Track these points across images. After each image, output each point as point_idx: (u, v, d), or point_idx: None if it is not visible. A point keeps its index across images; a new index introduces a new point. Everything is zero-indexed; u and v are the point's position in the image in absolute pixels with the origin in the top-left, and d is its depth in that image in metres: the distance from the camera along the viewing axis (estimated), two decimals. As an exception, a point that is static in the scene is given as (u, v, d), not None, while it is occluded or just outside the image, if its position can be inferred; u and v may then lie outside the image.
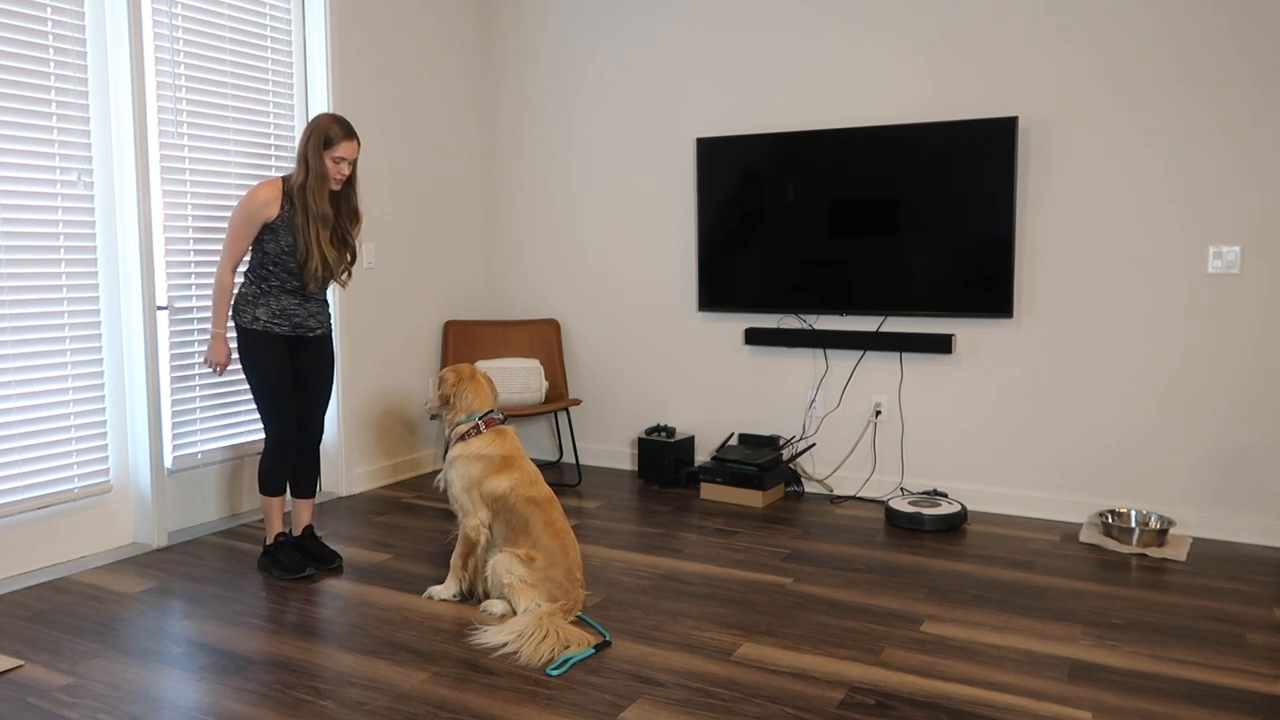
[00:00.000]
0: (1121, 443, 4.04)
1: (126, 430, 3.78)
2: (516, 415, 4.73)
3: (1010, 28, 4.10)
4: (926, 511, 4.02)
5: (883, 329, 4.43)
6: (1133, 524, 3.88)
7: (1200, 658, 2.77)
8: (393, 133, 4.81)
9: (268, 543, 3.54)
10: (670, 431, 4.82)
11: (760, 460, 4.41)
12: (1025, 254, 4.15)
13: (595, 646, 2.83)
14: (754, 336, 4.68)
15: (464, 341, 5.15)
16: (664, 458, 4.77)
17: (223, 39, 4.05)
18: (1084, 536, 3.87)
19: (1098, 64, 3.96)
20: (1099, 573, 3.49)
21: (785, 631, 2.96)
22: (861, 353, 4.52)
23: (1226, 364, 3.84)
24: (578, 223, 5.20)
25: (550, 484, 4.77)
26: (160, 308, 3.85)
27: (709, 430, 4.93)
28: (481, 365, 4.86)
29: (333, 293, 4.48)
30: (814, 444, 4.67)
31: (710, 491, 4.52)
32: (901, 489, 4.47)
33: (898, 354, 4.44)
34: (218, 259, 4.05)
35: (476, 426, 3.23)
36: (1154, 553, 3.67)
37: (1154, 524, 3.84)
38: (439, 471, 3.37)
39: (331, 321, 3.77)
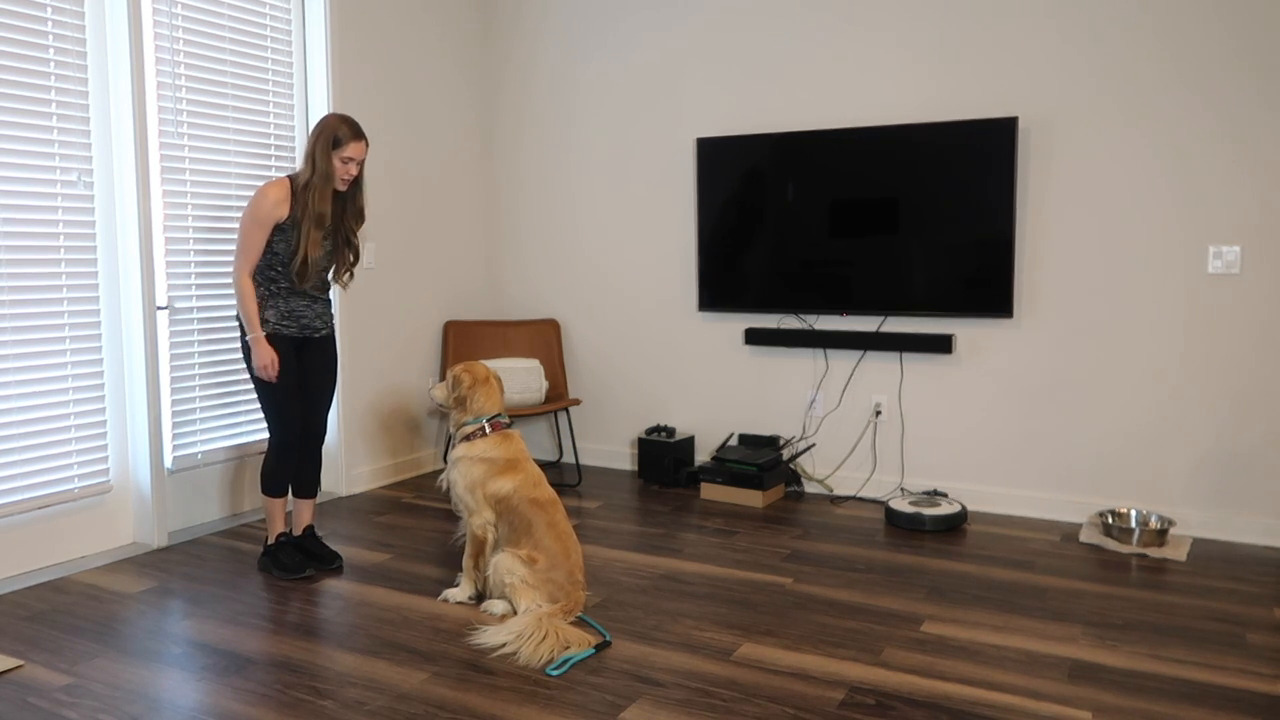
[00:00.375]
0: (1121, 442, 4.04)
1: (126, 430, 3.78)
2: (516, 415, 4.73)
3: (1010, 28, 4.10)
4: (926, 511, 4.02)
5: (883, 329, 4.43)
6: (1133, 524, 3.88)
7: (1200, 658, 2.77)
8: (393, 133, 4.80)
9: (269, 543, 3.53)
10: (670, 431, 4.82)
11: (760, 460, 4.41)
12: (1025, 254, 4.15)
13: (595, 646, 2.83)
14: (754, 336, 4.68)
15: (464, 341, 5.15)
16: (664, 458, 4.77)
17: (223, 39, 4.05)
18: (1084, 536, 3.87)
19: (1098, 64, 3.96)
20: (1099, 573, 3.49)
21: (785, 631, 2.96)
22: (861, 353, 4.52)
23: (1226, 364, 3.84)
24: (578, 223, 5.20)
25: (550, 484, 4.78)
26: (160, 308, 3.85)
27: (709, 430, 4.93)
28: (487, 365, 4.86)
29: (333, 292, 4.47)
30: (814, 444, 4.67)
31: (710, 491, 4.52)
32: (901, 489, 4.47)
33: (898, 354, 4.44)
34: (217, 259, 4.07)
35: (482, 428, 3.23)
36: (1154, 553, 3.67)
37: (1154, 524, 3.84)
38: (440, 472, 3.37)
39: (334, 321, 3.77)
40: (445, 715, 2.45)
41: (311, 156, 3.30)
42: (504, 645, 2.80)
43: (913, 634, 2.94)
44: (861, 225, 4.36)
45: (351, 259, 3.49)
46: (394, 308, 4.87)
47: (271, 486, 3.49)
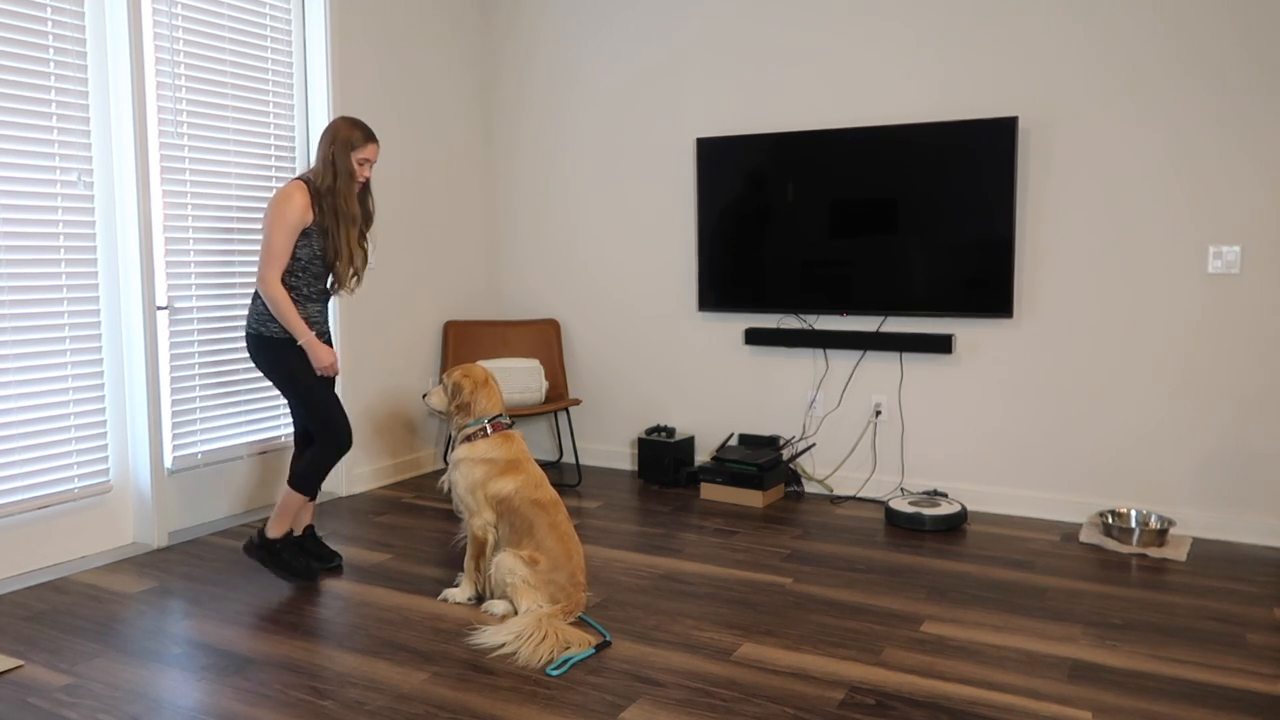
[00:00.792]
0: (1121, 442, 4.04)
1: (126, 430, 3.78)
2: (516, 415, 4.73)
3: (1010, 28, 4.10)
4: (926, 511, 4.02)
5: (883, 329, 4.43)
6: (1133, 524, 3.88)
7: (1200, 658, 2.77)
8: (393, 133, 4.80)
9: (271, 536, 3.39)
10: (670, 431, 4.82)
11: (760, 460, 4.41)
12: (1025, 254, 4.15)
13: (595, 646, 2.83)
14: (754, 336, 4.68)
15: (464, 341, 5.15)
16: (664, 458, 4.77)
17: (223, 39, 4.05)
18: (1084, 536, 3.87)
19: (1098, 64, 3.96)
20: (1099, 573, 3.49)
21: (785, 631, 2.96)
22: (861, 353, 4.52)
23: (1226, 364, 3.84)
24: (578, 223, 5.20)
25: (551, 484, 4.78)
26: (160, 308, 3.85)
27: (709, 430, 4.93)
28: (482, 365, 4.86)
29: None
30: (814, 444, 4.67)
31: (710, 491, 4.52)
32: (901, 489, 4.47)
33: (898, 354, 4.44)
34: (217, 259, 4.07)
35: (483, 429, 3.23)
36: (1154, 553, 3.67)
37: (1154, 524, 3.84)
38: (441, 472, 3.35)
39: None
40: (445, 715, 2.45)
41: (332, 160, 3.25)
42: (503, 645, 2.80)
43: (913, 634, 2.94)
44: (861, 225, 4.36)
45: (362, 262, 3.46)
46: (394, 308, 4.87)
47: (312, 487, 3.39)
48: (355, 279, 3.46)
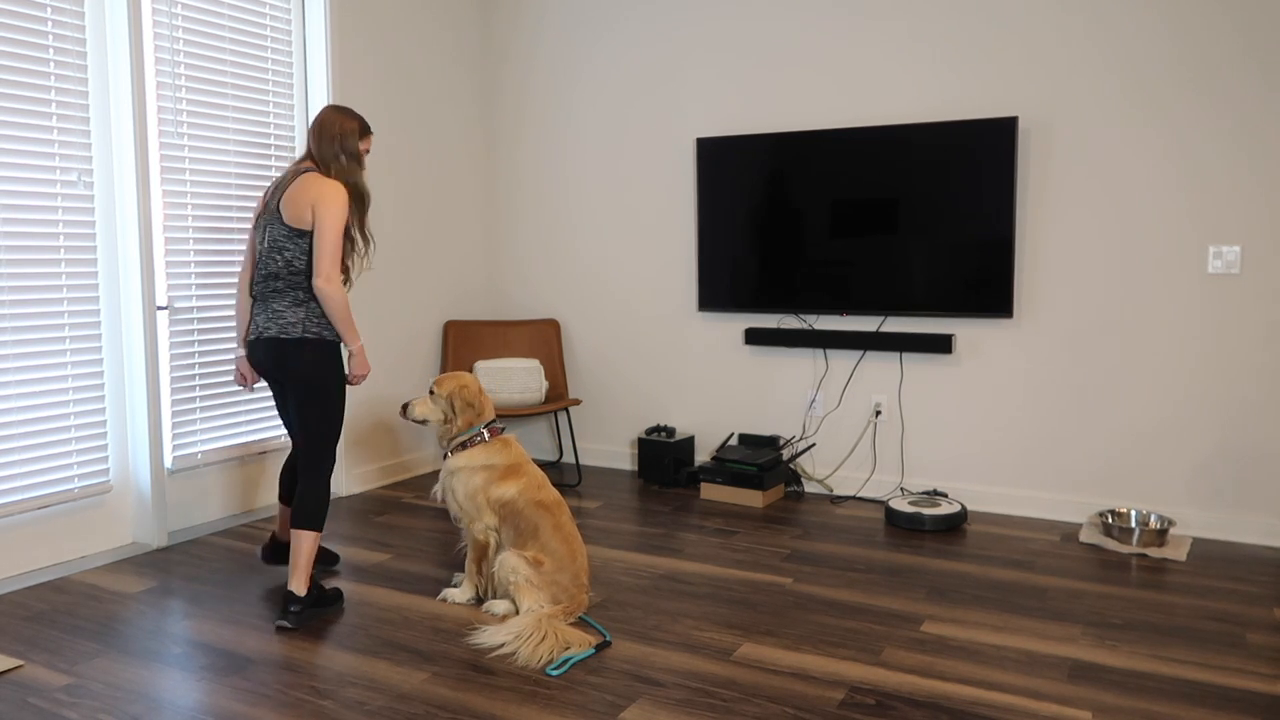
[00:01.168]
0: (1121, 442, 4.04)
1: (126, 430, 3.78)
2: (516, 415, 4.73)
3: (1010, 28, 4.10)
4: (926, 511, 4.02)
5: (883, 329, 4.43)
6: (1133, 524, 3.88)
7: (1200, 658, 2.77)
8: (393, 133, 4.80)
9: (303, 593, 3.04)
10: (670, 431, 4.82)
11: (760, 460, 4.41)
12: (1025, 254, 4.15)
13: (595, 646, 2.83)
14: (754, 336, 4.68)
15: (464, 341, 5.15)
16: (664, 458, 4.77)
17: (223, 39, 4.05)
18: (1084, 536, 3.87)
19: (1098, 64, 3.96)
20: (1099, 573, 3.49)
21: (785, 631, 2.96)
22: (861, 353, 4.52)
23: (1226, 364, 3.84)
24: (578, 223, 5.20)
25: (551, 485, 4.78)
26: (160, 308, 3.85)
27: (709, 430, 4.93)
28: (481, 365, 4.86)
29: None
30: (814, 444, 4.67)
31: (710, 491, 4.52)
32: (901, 489, 4.47)
33: (898, 354, 4.44)
34: (217, 259, 4.07)
35: (481, 435, 3.20)
36: (1154, 553, 3.67)
37: (1154, 524, 3.84)
38: (439, 471, 3.31)
39: None
40: (445, 715, 2.45)
41: (352, 153, 3.14)
42: (503, 645, 2.80)
43: (913, 634, 2.94)
44: (861, 225, 4.36)
45: (371, 249, 3.34)
46: (394, 308, 4.87)
47: (324, 521, 3.14)
48: (360, 269, 3.34)
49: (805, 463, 4.70)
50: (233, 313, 4.14)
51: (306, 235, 3.04)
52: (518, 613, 2.99)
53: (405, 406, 3.27)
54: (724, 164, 4.65)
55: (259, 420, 4.30)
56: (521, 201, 5.36)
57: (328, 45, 4.39)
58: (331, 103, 3.22)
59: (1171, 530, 3.92)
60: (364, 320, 4.68)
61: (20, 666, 2.74)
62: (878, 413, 4.51)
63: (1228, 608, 3.15)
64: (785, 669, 2.70)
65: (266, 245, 3.09)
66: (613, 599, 3.24)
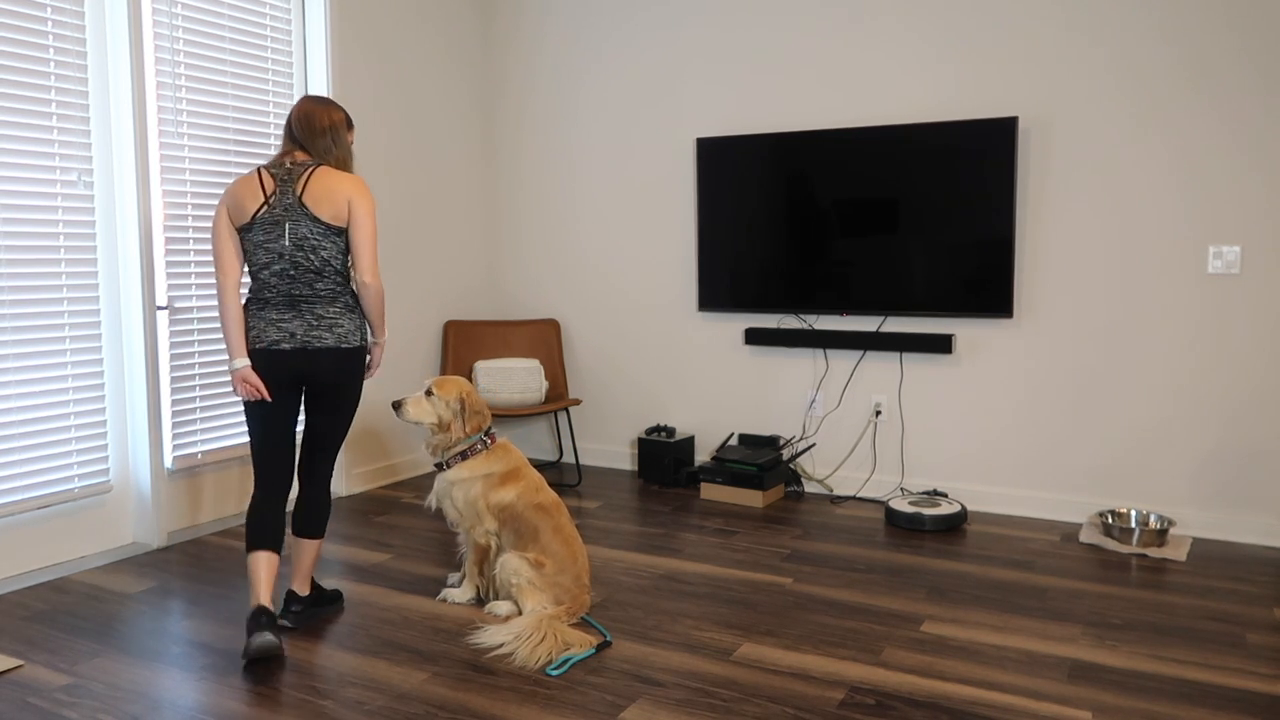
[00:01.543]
0: (1121, 442, 4.04)
1: (126, 430, 3.78)
2: (516, 415, 4.73)
3: (1010, 28, 4.10)
4: (926, 511, 4.02)
5: (883, 329, 4.43)
6: (1133, 524, 3.88)
7: (1200, 658, 2.77)
8: (393, 132, 4.80)
9: (305, 593, 3.05)
10: (670, 431, 4.82)
11: (760, 460, 4.41)
12: (1025, 254, 4.15)
13: (596, 647, 2.83)
14: (754, 336, 4.68)
15: (464, 341, 5.15)
16: (664, 458, 4.77)
17: (223, 39, 4.05)
18: (1084, 536, 3.87)
19: (1098, 64, 3.96)
20: (1099, 573, 3.49)
21: (785, 631, 2.96)
22: (861, 353, 4.52)
23: (1226, 364, 3.84)
24: (578, 223, 5.20)
25: (550, 484, 4.78)
26: (160, 308, 3.85)
27: (709, 430, 4.93)
28: (481, 365, 4.86)
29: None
30: (814, 444, 4.67)
31: (710, 491, 4.52)
32: (901, 489, 4.47)
33: (898, 354, 4.44)
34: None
35: (483, 442, 3.17)
36: (1154, 553, 3.67)
37: (1154, 524, 3.84)
38: (434, 477, 3.26)
39: None
40: (445, 715, 2.45)
41: (340, 144, 2.95)
42: (503, 645, 2.80)
43: (913, 634, 2.94)
44: (861, 225, 4.36)
45: None
46: (394, 308, 4.87)
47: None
48: None
49: (805, 463, 4.70)
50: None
51: (343, 233, 2.85)
52: (520, 614, 2.99)
53: (398, 405, 3.13)
54: (724, 164, 4.65)
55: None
56: (521, 201, 5.36)
57: (328, 45, 4.39)
58: (307, 94, 2.89)
59: (1171, 530, 3.92)
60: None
61: (20, 666, 2.74)
62: (878, 413, 4.51)
63: (1228, 608, 3.15)
64: (785, 669, 2.70)
65: (291, 244, 2.81)
66: (613, 599, 3.24)
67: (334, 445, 3.00)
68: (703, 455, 4.95)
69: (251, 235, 2.83)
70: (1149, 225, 3.93)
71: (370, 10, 4.64)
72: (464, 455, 3.15)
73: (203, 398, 4.04)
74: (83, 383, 3.63)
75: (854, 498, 4.53)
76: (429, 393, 3.15)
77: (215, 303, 4.08)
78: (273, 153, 4.29)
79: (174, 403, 3.93)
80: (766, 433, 4.78)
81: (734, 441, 4.81)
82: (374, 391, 4.77)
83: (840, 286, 4.44)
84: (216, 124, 4.04)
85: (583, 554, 3.11)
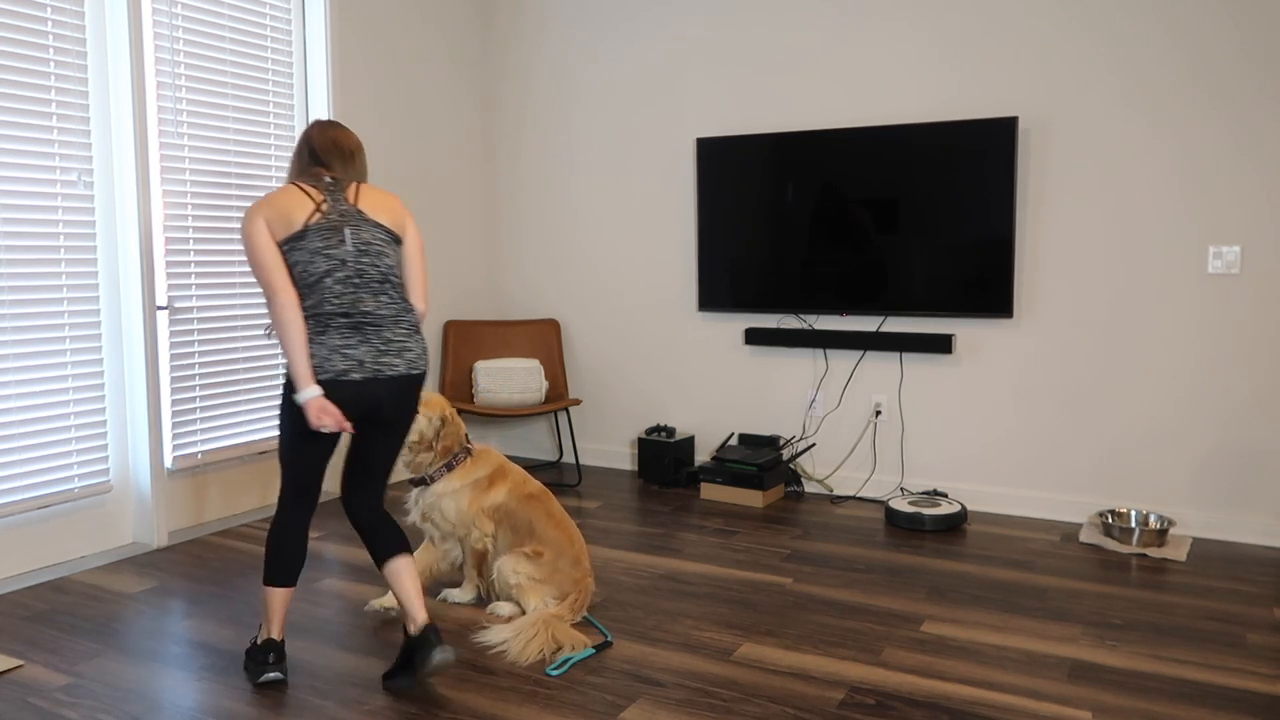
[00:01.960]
0: (1121, 442, 4.04)
1: (126, 430, 3.78)
2: (516, 415, 4.73)
3: (1010, 28, 4.10)
4: (926, 511, 4.02)
5: (883, 329, 4.43)
6: (1133, 524, 3.88)
7: (1200, 658, 2.77)
8: (392, 132, 4.80)
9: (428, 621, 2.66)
10: (670, 431, 4.82)
11: (760, 460, 4.41)
12: (1025, 254, 4.15)
13: (596, 646, 2.83)
14: (754, 336, 4.68)
15: (464, 341, 5.15)
16: (664, 458, 4.77)
17: (223, 39, 4.05)
18: (1084, 536, 3.87)
19: (1098, 64, 3.96)
20: (1099, 573, 3.49)
21: (785, 631, 2.96)
22: (861, 353, 4.52)
23: (1226, 364, 3.84)
24: (578, 223, 5.20)
25: (550, 484, 4.78)
26: (160, 308, 3.85)
27: (709, 430, 4.93)
28: (481, 365, 4.86)
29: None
30: (814, 444, 4.67)
31: (710, 491, 4.52)
32: (901, 489, 4.47)
33: (898, 354, 4.44)
34: (217, 259, 4.07)
35: (466, 452, 3.13)
36: (1154, 553, 3.67)
37: (1154, 524, 3.84)
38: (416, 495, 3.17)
39: None
40: (445, 715, 2.45)
41: (365, 168, 2.80)
42: (502, 643, 2.80)
43: (913, 634, 2.94)
44: (862, 225, 4.36)
45: None
46: (394, 308, 4.86)
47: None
48: None
49: (805, 463, 4.70)
50: (233, 312, 4.14)
51: (400, 246, 2.67)
52: (524, 613, 2.99)
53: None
54: (724, 164, 4.65)
55: (259, 420, 4.30)
56: (521, 201, 5.36)
57: (328, 45, 4.39)
58: (321, 119, 2.81)
59: (1171, 530, 3.92)
60: (364, 320, 4.68)
61: (20, 666, 2.74)
62: (878, 413, 4.51)
63: (1228, 608, 3.15)
64: (785, 669, 2.70)
65: (354, 249, 2.54)
66: (613, 599, 3.24)
67: (391, 470, 2.79)
68: (703, 455, 4.94)
69: (305, 243, 2.50)
70: (1149, 225, 3.93)
71: (370, 10, 4.64)
72: (449, 466, 3.11)
73: (203, 398, 4.05)
74: (83, 383, 3.63)
75: (854, 498, 4.53)
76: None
77: (215, 303, 4.07)
78: (272, 153, 4.29)
79: (174, 403, 3.93)
80: (766, 433, 4.78)
81: (734, 441, 4.81)
82: (374, 391, 4.77)
83: (840, 286, 4.44)
84: (216, 124, 4.04)
85: (578, 536, 3.11)
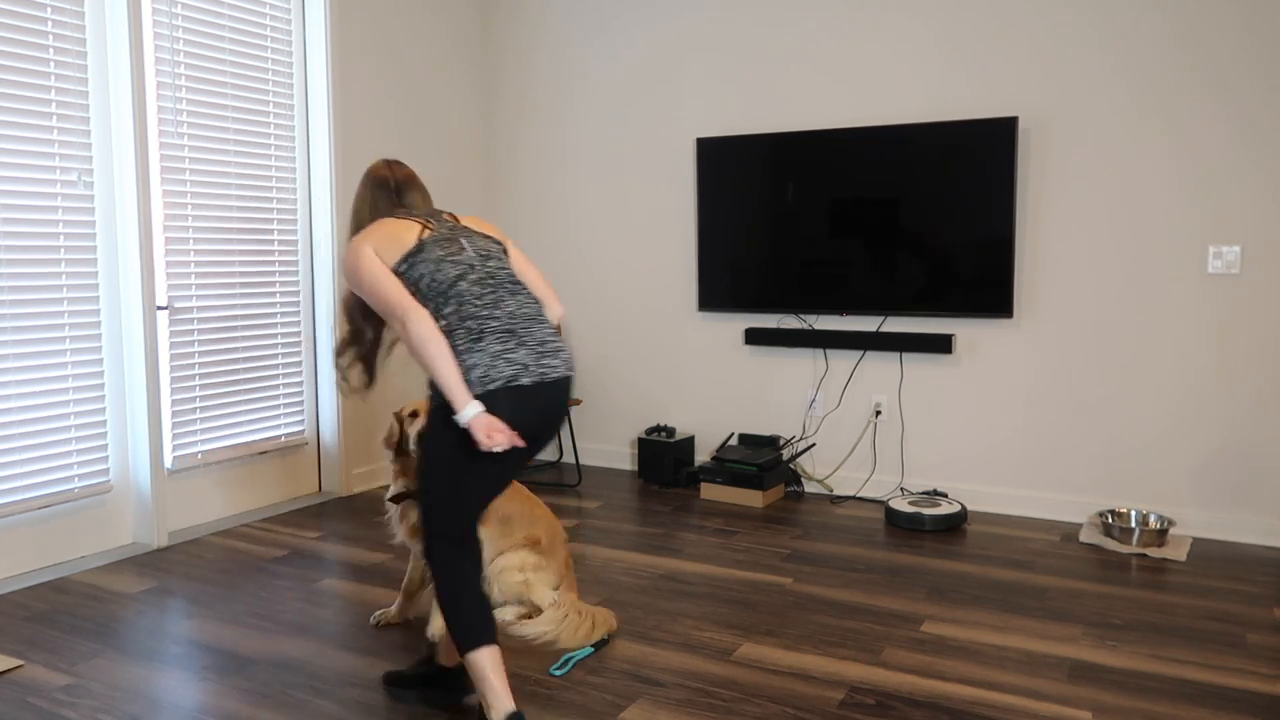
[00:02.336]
0: (1121, 442, 4.04)
1: (126, 430, 3.78)
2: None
3: (1010, 28, 4.10)
4: (926, 511, 4.02)
5: (883, 329, 4.43)
6: (1133, 524, 3.88)
7: (1200, 658, 2.77)
8: (392, 132, 4.80)
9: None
10: (670, 431, 4.82)
11: (760, 460, 4.41)
12: (1025, 254, 4.15)
13: (594, 645, 2.83)
14: (754, 336, 4.68)
15: (464, 341, 5.15)
16: (664, 458, 4.77)
17: (223, 39, 4.05)
18: (1084, 536, 3.87)
19: (1098, 64, 3.96)
20: (1099, 573, 3.49)
21: (785, 631, 2.96)
22: (861, 353, 4.52)
23: (1226, 364, 3.84)
24: (578, 223, 5.20)
25: (550, 484, 4.79)
26: (160, 308, 3.85)
27: (709, 430, 4.93)
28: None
29: (332, 292, 4.48)
30: (814, 444, 4.67)
31: (710, 491, 4.52)
32: (901, 489, 4.47)
33: (898, 354, 4.44)
34: (217, 259, 4.07)
35: None
36: (1154, 553, 3.67)
37: (1154, 524, 3.84)
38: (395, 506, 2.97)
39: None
40: (445, 715, 2.45)
41: None
42: (544, 633, 2.82)
43: (913, 634, 2.94)
44: (861, 225, 4.36)
45: None
46: (394, 308, 4.86)
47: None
48: None
49: (805, 463, 4.70)
50: (233, 312, 4.14)
51: (508, 256, 2.50)
52: (541, 609, 2.92)
53: (414, 436, 2.83)
54: (724, 164, 4.65)
55: (259, 420, 4.30)
56: (521, 201, 5.36)
57: (328, 45, 4.39)
58: (384, 158, 2.61)
59: (1171, 530, 3.92)
60: (364, 320, 4.68)
61: (20, 666, 2.74)
62: (878, 413, 4.51)
63: (1228, 608, 3.15)
64: (785, 669, 2.70)
65: (476, 255, 2.37)
66: (613, 599, 3.24)
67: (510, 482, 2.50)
68: (703, 455, 4.94)
69: (424, 255, 2.31)
70: (1149, 225, 3.93)
71: (370, 10, 4.64)
72: None
73: (203, 398, 4.05)
74: (83, 383, 3.63)
75: (854, 498, 4.53)
76: (414, 414, 2.91)
77: (215, 303, 4.07)
78: (272, 153, 4.29)
79: (174, 403, 3.93)
80: (766, 433, 4.78)
81: (734, 441, 4.81)
82: (375, 393, 4.76)
83: (840, 286, 4.44)
84: (216, 124, 4.04)
85: (539, 502, 3.07)
